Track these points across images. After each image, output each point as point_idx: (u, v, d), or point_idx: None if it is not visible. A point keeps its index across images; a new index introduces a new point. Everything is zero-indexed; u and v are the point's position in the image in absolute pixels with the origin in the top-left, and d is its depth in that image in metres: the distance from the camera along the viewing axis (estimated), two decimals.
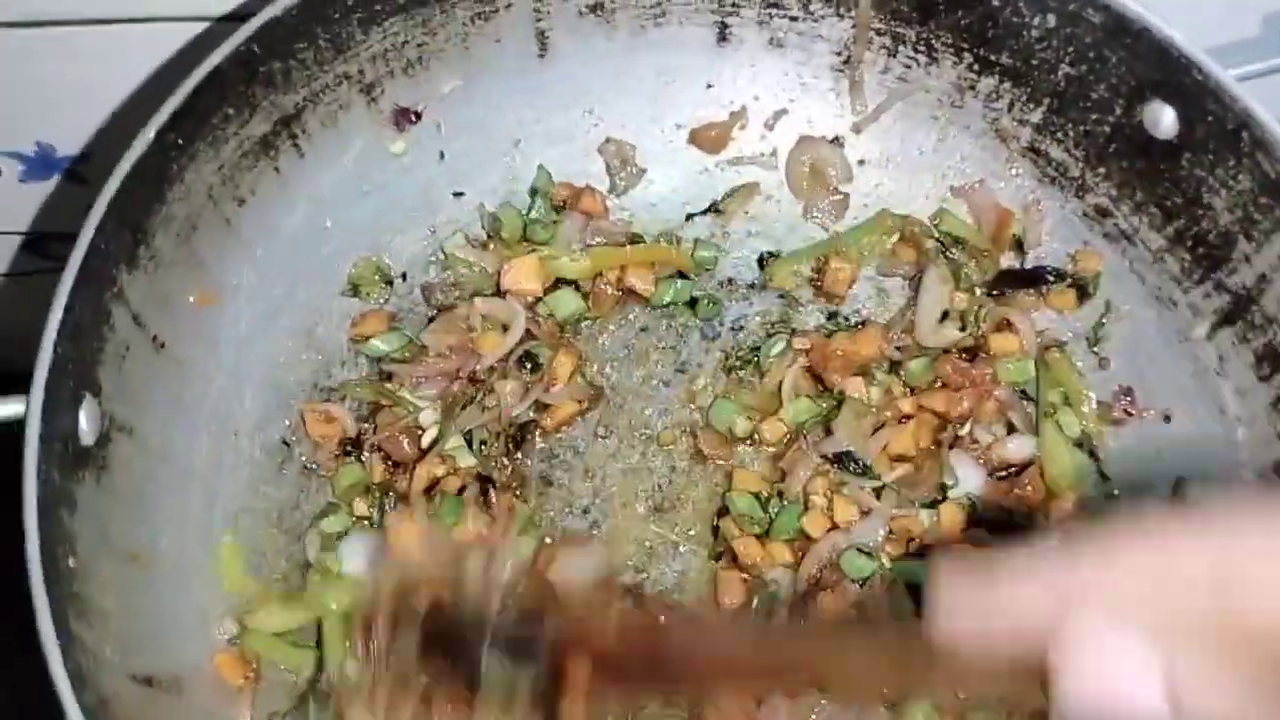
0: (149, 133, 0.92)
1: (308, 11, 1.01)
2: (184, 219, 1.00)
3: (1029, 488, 1.09)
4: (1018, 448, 1.11)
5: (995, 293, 1.18)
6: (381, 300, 1.16)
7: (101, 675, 0.80)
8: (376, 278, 1.15)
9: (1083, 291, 1.16)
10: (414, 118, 1.16)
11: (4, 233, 1.40)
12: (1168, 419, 1.11)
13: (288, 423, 1.11)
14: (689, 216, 1.22)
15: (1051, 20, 1.07)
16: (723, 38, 1.19)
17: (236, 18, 1.12)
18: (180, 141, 0.96)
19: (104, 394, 0.90)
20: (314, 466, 1.10)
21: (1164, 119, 1.04)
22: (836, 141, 1.23)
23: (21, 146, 1.29)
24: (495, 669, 0.78)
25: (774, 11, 1.17)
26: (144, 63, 1.21)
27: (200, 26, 1.16)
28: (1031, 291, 1.16)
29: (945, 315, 1.14)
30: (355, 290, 1.15)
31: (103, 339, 0.91)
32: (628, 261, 1.16)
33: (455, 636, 0.81)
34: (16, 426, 0.82)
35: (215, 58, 0.95)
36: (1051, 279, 1.16)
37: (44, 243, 1.44)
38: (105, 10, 1.15)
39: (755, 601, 1.06)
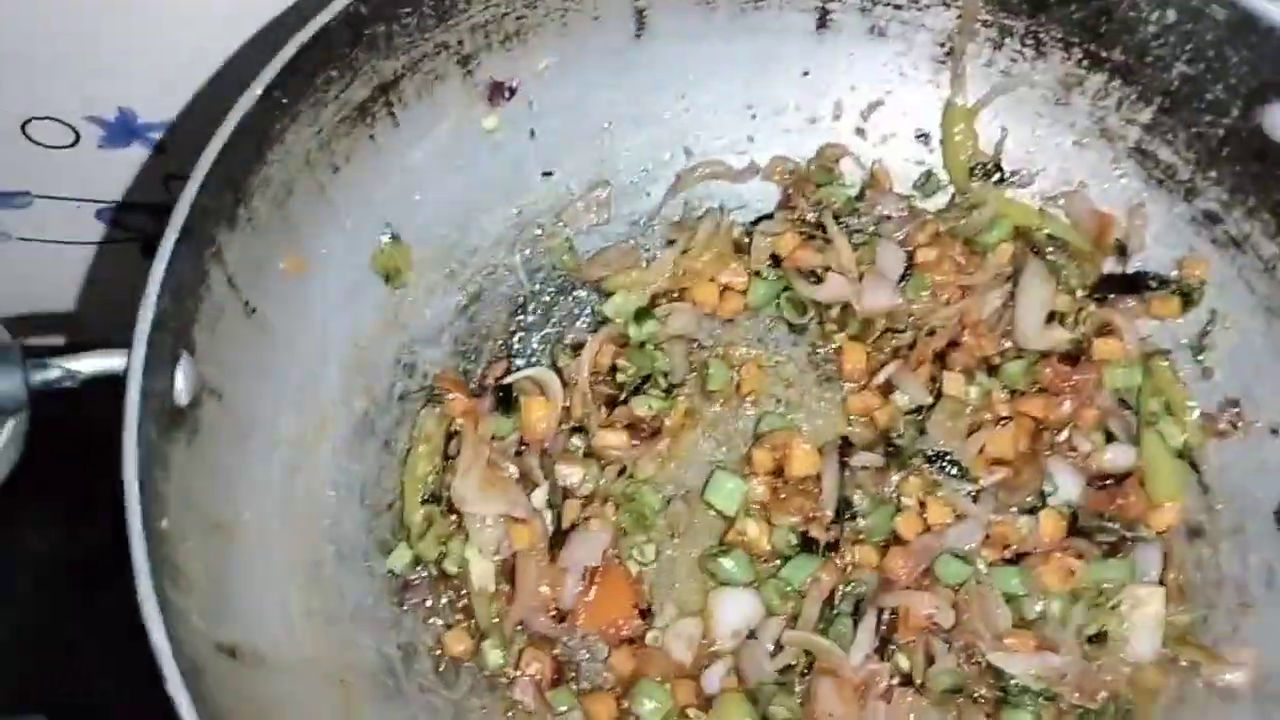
0: (255, 89, 0.89)
1: None
2: (281, 183, 0.97)
3: (1130, 498, 1.06)
4: (1118, 456, 1.08)
5: (1097, 297, 1.14)
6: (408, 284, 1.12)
7: (192, 642, 0.77)
8: (401, 265, 1.11)
9: (1187, 299, 1.13)
10: (508, 93, 1.13)
11: (80, 200, 1.38)
12: (1275, 433, 1.08)
13: (372, 398, 1.08)
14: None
15: (1171, 15, 1.04)
16: (822, 24, 1.16)
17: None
18: (284, 100, 0.93)
19: (199, 355, 0.88)
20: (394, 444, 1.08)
21: None
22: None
23: (103, 111, 1.27)
24: None
25: None
26: (232, 32, 1.19)
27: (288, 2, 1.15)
28: (1134, 298, 1.13)
29: (1051, 316, 1.11)
30: (386, 279, 1.10)
31: (199, 298, 0.89)
32: None
33: None
34: (113, 383, 0.79)
35: (324, 16, 0.93)
36: (1155, 285, 1.13)
37: (119, 212, 1.42)
38: None
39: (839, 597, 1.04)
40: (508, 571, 1.04)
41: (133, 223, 1.46)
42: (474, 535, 1.02)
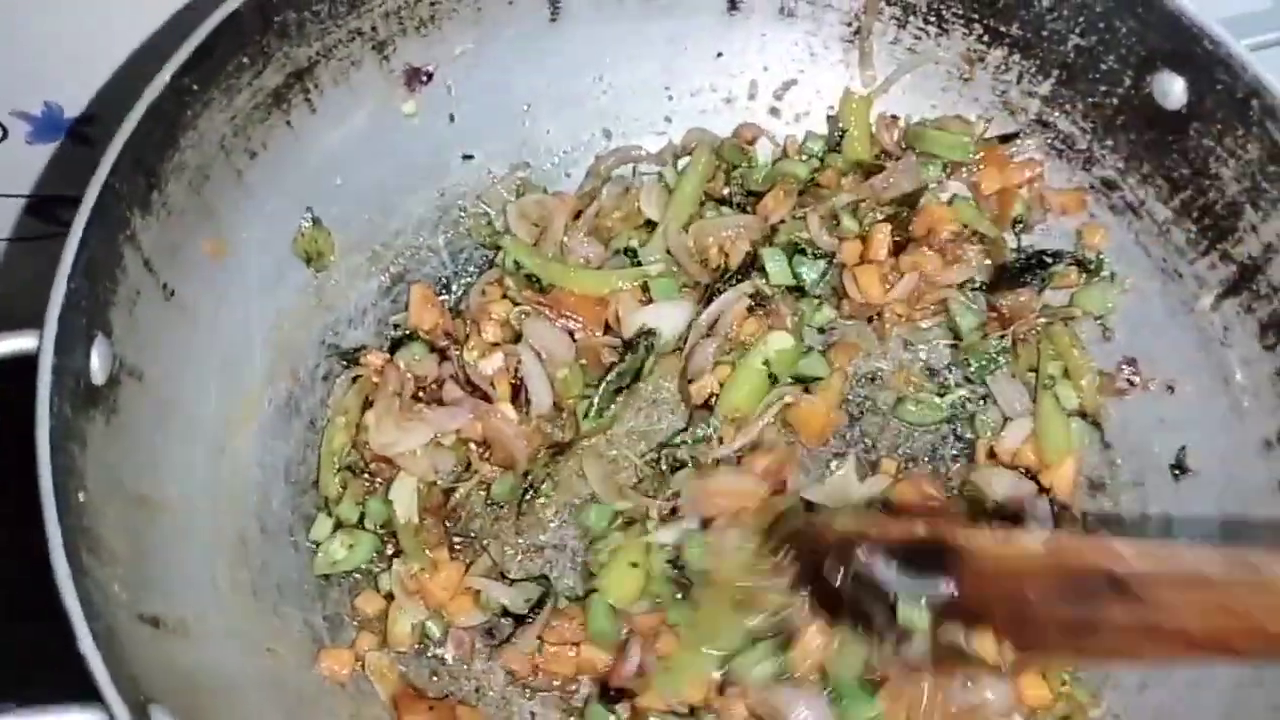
0: (165, 75, 0.92)
1: None
2: (196, 168, 0.99)
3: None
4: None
5: (991, 291, 1.17)
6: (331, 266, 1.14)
7: (110, 610, 0.79)
8: (322, 249, 1.13)
9: (1086, 268, 1.16)
10: (425, 78, 1.16)
11: (8, 195, 1.40)
12: (1171, 389, 1.12)
13: (296, 378, 1.10)
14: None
15: None
16: (734, 6, 1.20)
17: None
18: (195, 87, 0.96)
19: (115, 336, 0.90)
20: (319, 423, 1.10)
21: (1173, 89, 1.05)
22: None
23: (29, 106, 1.28)
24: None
25: None
26: (150, 21, 1.21)
27: None
28: (1027, 288, 1.15)
29: None
30: (308, 262, 1.13)
31: (115, 280, 0.91)
32: None
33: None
34: (28, 363, 0.81)
35: (233, 3, 0.95)
36: (1050, 263, 1.15)
37: (49, 206, 1.44)
38: None
39: None
40: (436, 500, 1.07)
41: (62, 216, 1.47)
42: (404, 477, 1.05)
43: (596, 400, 1.10)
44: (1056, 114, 1.15)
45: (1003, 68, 1.16)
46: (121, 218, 0.91)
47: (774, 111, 1.25)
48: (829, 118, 1.24)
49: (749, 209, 1.20)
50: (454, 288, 1.19)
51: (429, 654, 1.04)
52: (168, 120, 0.94)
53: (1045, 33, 1.11)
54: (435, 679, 1.03)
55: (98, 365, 0.87)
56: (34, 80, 1.28)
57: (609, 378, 1.10)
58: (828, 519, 1.00)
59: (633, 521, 1.06)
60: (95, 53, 1.26)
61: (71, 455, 0.82)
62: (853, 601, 0.84)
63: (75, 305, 0.84)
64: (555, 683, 1.02)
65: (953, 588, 0.79)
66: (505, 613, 1.04)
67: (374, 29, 1.09)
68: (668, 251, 1.17)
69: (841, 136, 1.22)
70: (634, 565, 1.03)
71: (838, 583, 0.84)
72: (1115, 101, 1.10)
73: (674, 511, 1.06)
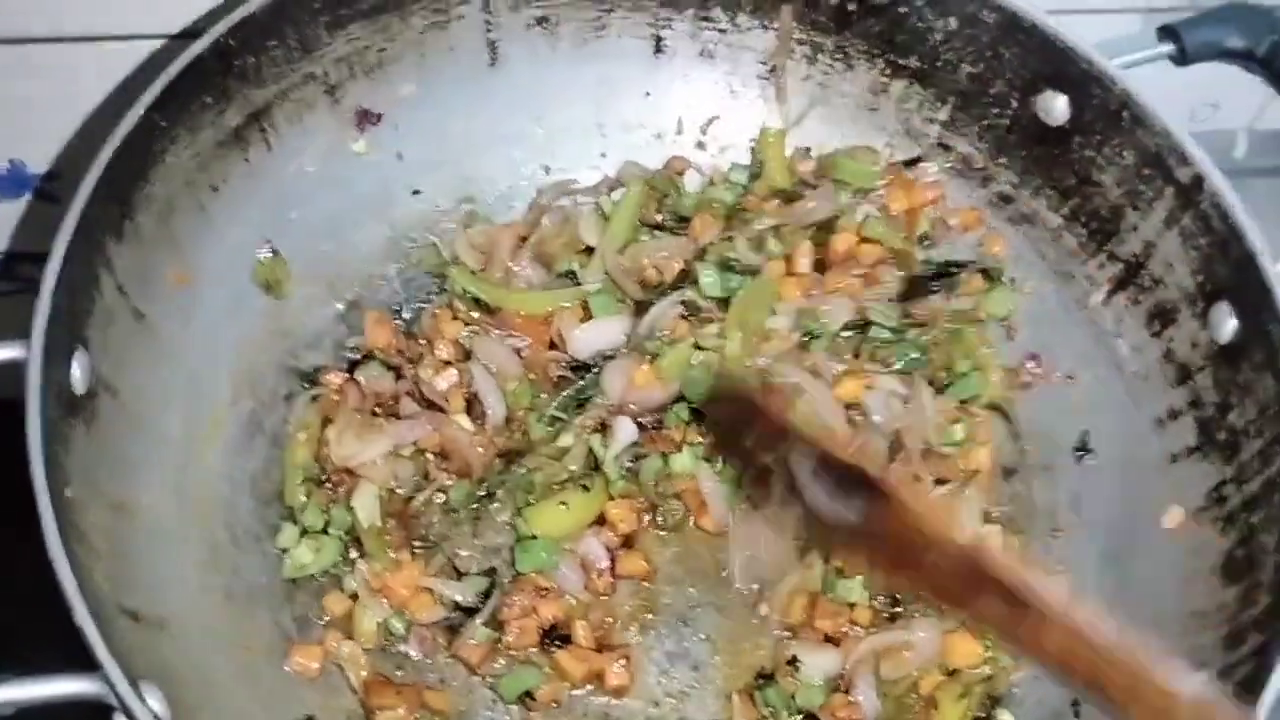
0: (137, 110, 0.99)
1: (278, 11, 1.10)
2: (164, 200, 1.07)
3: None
4: None
5: (905, 300, 1.26)
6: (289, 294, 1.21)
7: (97, 597, 0.84)
8: (281, 278, 1.20)
9: (988, 275, 1.26)
10: (374, 119, 1.24)
11: None
12: (1071, 379, 1.22)
13: (259, 399, 1.16)
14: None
15: (953, 23, 1.19)
16: (658, 49, 1.30)
17: (190, 34, 1.21)
18: (163, 123, 1.03)
19: (93, 351, 0.96)
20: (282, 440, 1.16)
21: (1056, 106, 1.17)
22: None
23: None
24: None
25: (704, 24, 1.28)
26: (108, 80, 1.29)
27: (157, 44, 1.25)
28: (936, 296, 1.25)
29: None
30: (267, 289, 1.19)
31: (92, 300, 0.97)
32: None
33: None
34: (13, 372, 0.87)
35: (197, 47, 1.04)
36: (956, 272, 1.26)
37: (13, 263, 1.48)
38: (66, 29, 1.23)
39: None
40: (397, 507, 1.13)
41: (24, 273, 1.52)
42: (366, 485, 1.11)
43: (550, 412, 1.17)
44: (955, 137, 1.27)
45: (904, 98, 1.27)
46: (97, 241, 0.98)
47: (700, 145, 1.35)
48: (751, 149, 1.34)
49: (680, 233, 1.29)
50: (405, 313, 1.26)
51: (394, 650, 1.09)
52: (139, 153, 1.01)
53: (940, 63, 1.23)
54: (401, 673, 1.08)
55: (79, 376, 0.93)
56: None
57: (567, 392, 1.17)
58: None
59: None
60: (60, 110, 1.33)
61: (58, 454, 0.87)
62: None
63: (58, 318, 0.90)
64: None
65: (859, 518, 0.84)
66: (459, 608, 1.10)
67: (326, 73, 1.18)
68: (606, 274, 1.25)
69: (762, 168, 1.32)
70: (563, 505, 1.11)
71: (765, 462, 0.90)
72: (1006, 122, 1.22)
73: (604, 425, 1.15)
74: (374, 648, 1.08)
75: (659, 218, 1.31)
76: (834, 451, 0.88)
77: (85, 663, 0.81)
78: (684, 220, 1.30)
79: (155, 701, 0.82)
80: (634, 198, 1.29)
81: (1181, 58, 1.19)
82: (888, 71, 1.27)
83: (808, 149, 1.32)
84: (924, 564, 0.82)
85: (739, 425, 0.96)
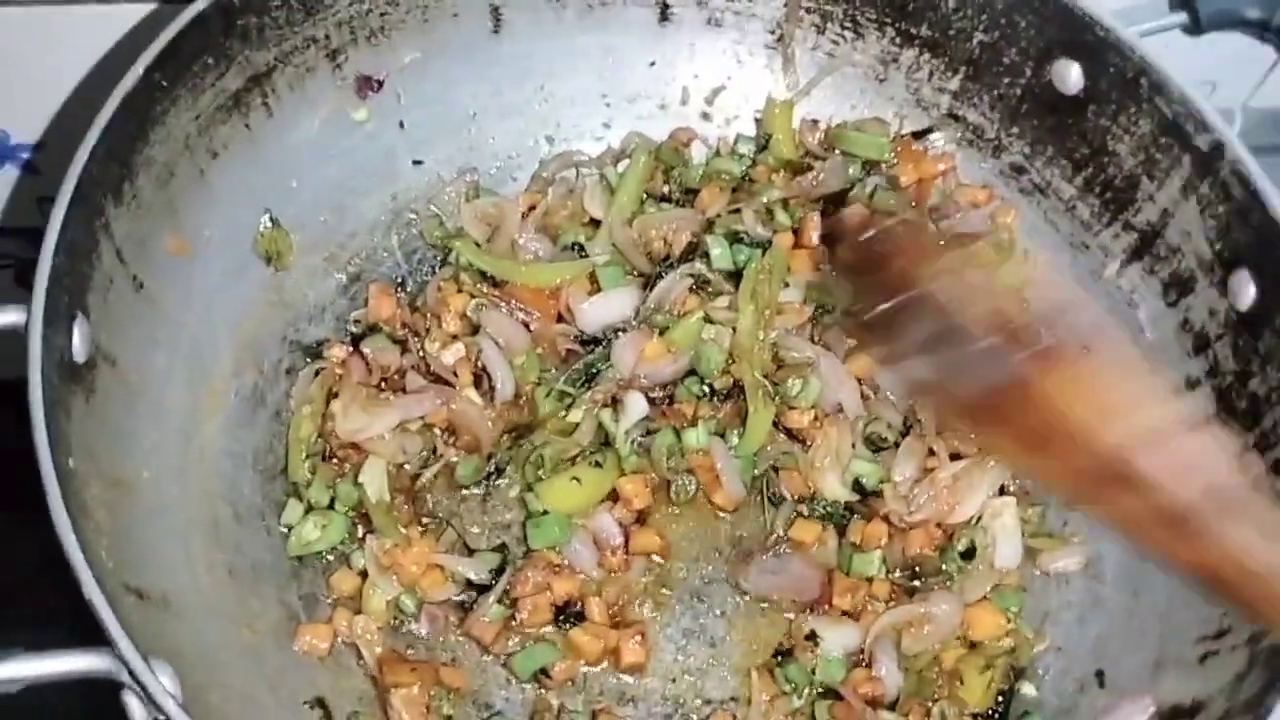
0: (138, 68, 0.96)
1: None
2: (163, 164, 1.03)
3: None
4: None
5: None
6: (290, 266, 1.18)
7: (102, 573, 0.81)
8: (281, 249, 1.17)
9: (1001, 246, 1.25)
10: (376, 86, 1.21)
11: None
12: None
13: (260, 371, 1.13)
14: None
15: None
16: (664, 18, 1.27)
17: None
18: (164, 83, 1.00)
19: (93, 319, 0.92)
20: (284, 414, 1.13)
21: (1070, 75, 1.15)
22: None
23: None
24: None
25: None
26: (97, 46, 1.25)
27: (144, 9, 1.21)
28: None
29: None
30: (268, 261, 1.16)
31: (91, 266, 0.94)
32: None
33: None
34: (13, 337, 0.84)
35: (199, 4, 1.00)
36: (968, 244, 1.24)
37: None
38: None
39: None
40: (404, 483, 1.10)
41: (5, 248, 1.48)
42: (374, 460, 1.08)
43: (559, 386, 1.14)
44: (966, 107, 1.25)
45: (914, 67, 1.25)
46: (97, 204, 0.94)
47: (705, 116, 1.32)
48: (757, 120, 1.32)
49: (687, 205, 1.27)
50: (409, 286, 1.23)
51: (404, 629, 1.06)
52: (139, 113, 0.98)
53: (952, 32, 1.21)
54: (411, 652, 1.05)
55: (79, 343, 0.90)
56: None
57: (576, 366, 1.15)
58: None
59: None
60: (40, 79, 1.29)
61: (59, 423, 0.84)
62: None
63: (58, 282, 0.87)
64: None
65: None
66: (471, 585, 1.07)
67: (327, 37, 1.14)
68: (614, 246, 1.22)
69: (768, 139, 1.30)
70: (575, 480, 1.08)
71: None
72: (1019, 91, 1.20)
73: (615, 400, 1.13)
74: (384, 626, 1.05)
75: (665, 189, 1.28)
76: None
77: (92, 641, 0.77)
78: (691, 192, 1.28)
79: (166, 678, 0.78)
80: (640, 169, 1.26)
81: (1195, 27, 1.18)
82: (898, 40, 1.25)
83: (815, 120, 1.30)
84: (1057, 454, 0.80)
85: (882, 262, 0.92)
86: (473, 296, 1.18)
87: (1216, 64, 1.29)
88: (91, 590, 0.74)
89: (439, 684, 1.01)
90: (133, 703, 0.77)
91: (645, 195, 1.27)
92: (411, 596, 1.06)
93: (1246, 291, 1.05)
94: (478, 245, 1.21)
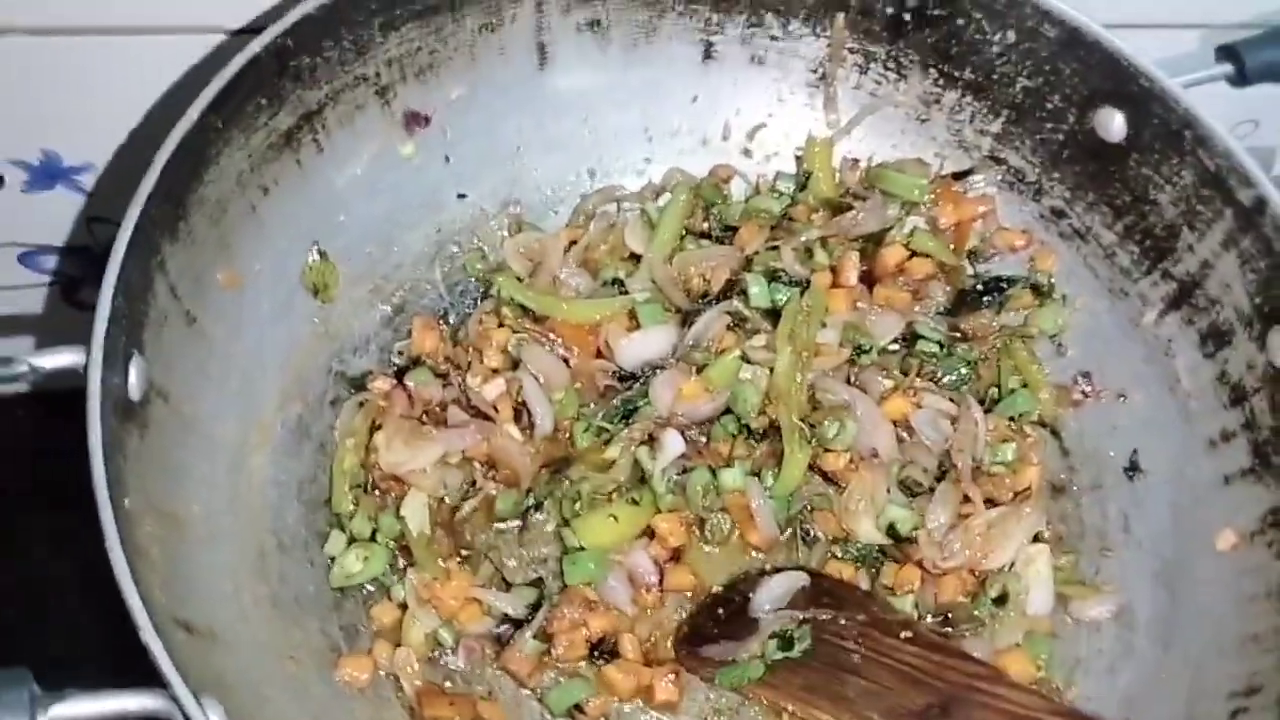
0: (193, 112, 0.98)
1: (335, 11, 1.08)
2: (216, 201, 1.05)
3: None
4: None
5: (952, 314, 1.25)
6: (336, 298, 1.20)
7: (154, 609, 0.83)
8: (329, 281, 1.19)
9: (1039, 290, 1.25)
10: (423, 122, 1.23)
11: (3, 244, 1.43)
12: (1123, 398, 1.21)
13: (306, 403, 1.15)
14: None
15: (1011, 36, 1.18)
16: (708, 55, 1.29)
17: (250, 30, 1.20)
18: (219, 125, 1.02)
19: (147, 356, 0.95)
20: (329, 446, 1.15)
21: (1114, 124, 1.16)
22: None
23: (28, 155, 1.33)
24: None
25: (755, 31, 1.27)
26: (156, 76, 1.27)
27: (214, 41, 1.23)
28: (985, 310, 1.24)
29: None
30: (315, 293, 1.18)
31: (147, 304, 0.96)
32: None
33: None
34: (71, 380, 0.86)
35: (255, 46, 1.02)
36: (1006, 287, 1.25)
37: (42, 255, 1.47)
38: (118, 20, 1.21)
39: None
40: (444, 516, 1.12)
41: (55, 266, 1.51)
42: (415, 493, 1.10)
43: (597, 422, 1.16)
44: (1007, 150, 1.25)
45: (957, 109, 1.26)
46: (153, 244, 0.96)
47: (746, 152, 1.33)
48: (797, 158, 1.33)
49: (726, 242, 1.28)
50: (450, 318, 1.25)
51: (442, 661, 1.08)
52: (195, 154, 1.00)
53: (995, 76, 1.22)
54: (449, 685, 1.07)
55: (135, 381, 0.92)
56: (32, 128, 1.32)
57: (615, 402, 1.16)
58: None
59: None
60: (94, 104, 1.31)
61: (117, 464, 0.86)
62: None
63: (117, 322, 0.89)
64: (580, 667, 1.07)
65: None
66: (508, 619, 1.09)
67: (377, 74, 1.16)
68: (653, 281, 1.24)
69: (808, 177, 1.31)
70: (612, 517, 1.10)
71: None
72: (1061, 137, 1.21)
73: (652, 438, 1.14)
74: (423, 659, 1.07)
75: (705, 225, 1.30)
76: None
77: (136, 678, 0.79)
78: (730, 229, 1.29)
79: (216, 716, 0.81)
80: (680, 205, 1.28)
81: (1240, 78, 1.18)
82: (941, 82, 1.25)
83: (855, 159, 1.31)
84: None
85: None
86: (514, 331, 1.19)
87: (1261, 102, 1.29)
88: (149, 635, 0.76)
89: (476, 717, 1.03)
90: None
91: (685, 231, 1.28)
92: (450, 629, 1.08)
93: None
94: (519, 280, 1.23)
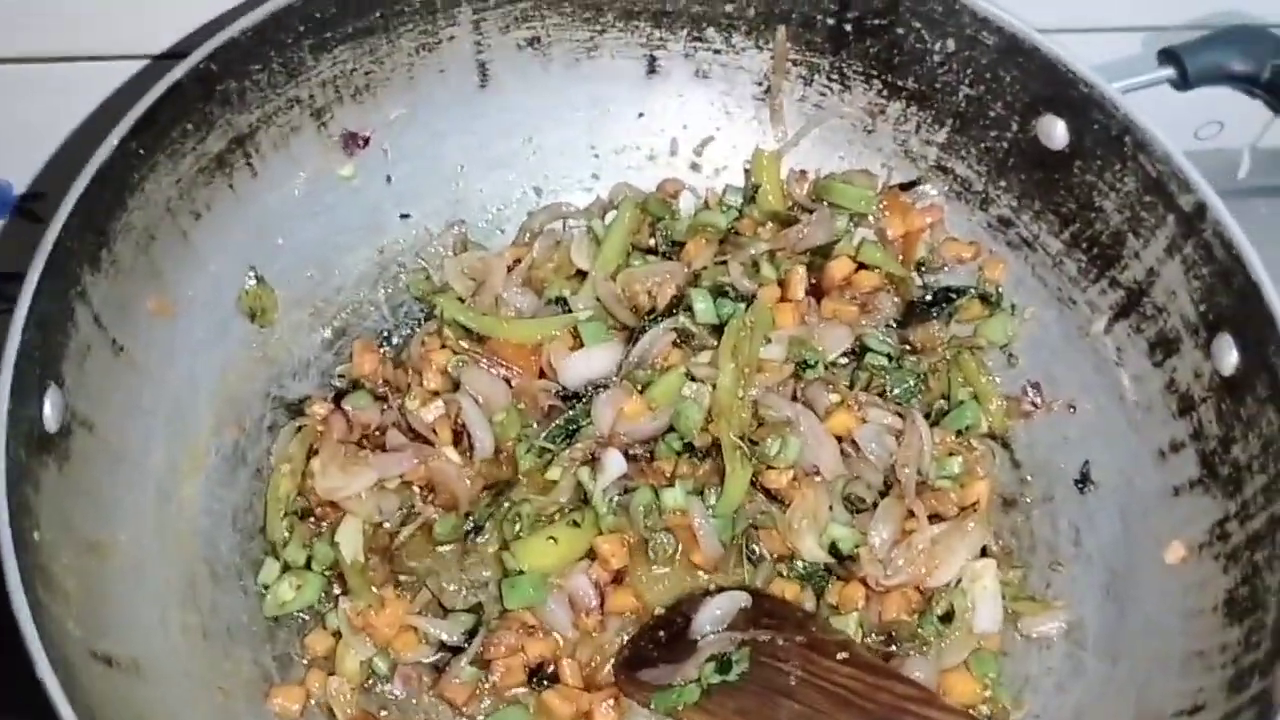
0: (112, 140, 0.97)
1: (261, 35, 1.08)
2: (143, 228, 1.04)
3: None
4: None
5: (902, 326, 1.24)
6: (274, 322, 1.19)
7: (65, 645, 0.82)
8: (266, 305, 1.18)
9: (987, 300, 1.24)
10: (362, 142, 1.22)
11: None
12: (1073, 408, 1.19)
13: (243, 429, 1.14)
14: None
15: (951, 44, 1.17)
16: (652, 70, 1.28)
17: (174, 55, 1.19)
18: (141, 151, 1.01)
19: (67, 387, 0.94)
20: (266, 472, 1.14)
21: (1056, 131, 1.14)
22: None
23: None
24: None
25: (698, 45, 1.26)
26: (94, 99, 1.27)
27: (141, 64, 1.23)
28: (934, 322, 1.22)
29: None
30: (252, 318, 1.18)
31: (66, 334, 0.95)
32: None
33: None
34: None
35: (177, 73, 1.01)
36: (955, 298, 1.23)
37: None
38: (50, 49, 1.21)
39: None
40: (382, 542, 1.11)
41: (8, 292, 1.50)
42: (350, 519, 1.09)
43: (539, 443, 1.14)
44: (953, 160, 1.24)
45: (902, 119, 1.25)
46: (72, 274, 0.96)
47: (694, 166, 1.32)
48: (745, 171, 1.32)
49: (673, 257, 1.27)
50: (394, 340, 1.24)
51: (377, 690, 1.07)
52: (116, 183, 0.99)
53: (938, 85, 1.20)
54: (385, 713, 1.06)
55: (50, 413, 0.91)
56: None
57: (557, 422, 1.15)
58: None
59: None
60: (42, 130, 1.31)
61: (26, 497, 0.85)
62: None
63: (29, 355, 0.88)
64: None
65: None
66: (444, 646, 1.07)
67: (311, 97, 1.16)
68: (598, 299, 1.23)
69: (756, 190, 1.30)
70: (552, 539, 1.08)
71: None
72: (1005, 145, 1.19)
73: (594, 458, 1.12)
74: (357, 687, 1.05)
75: (652, 241, 1.28)
76: None
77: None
78: (677, 244, 1.27)
79: None
80: (626, 221, 1.26)
81: (1183, 82, 1.17)
82: (885, 92, 1.24)
83: (803, 171, 1.30)
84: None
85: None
86: (455, 353, 1.18)
87: (1224, 103, 1.27)
88: (45, 673, 0.75)
89: None
90: None
91: (632, 248, 1.26)
92: (385, 658, 1.06)
93: (1229, 356, 1.04)
94: (461, 300, 1.22)
